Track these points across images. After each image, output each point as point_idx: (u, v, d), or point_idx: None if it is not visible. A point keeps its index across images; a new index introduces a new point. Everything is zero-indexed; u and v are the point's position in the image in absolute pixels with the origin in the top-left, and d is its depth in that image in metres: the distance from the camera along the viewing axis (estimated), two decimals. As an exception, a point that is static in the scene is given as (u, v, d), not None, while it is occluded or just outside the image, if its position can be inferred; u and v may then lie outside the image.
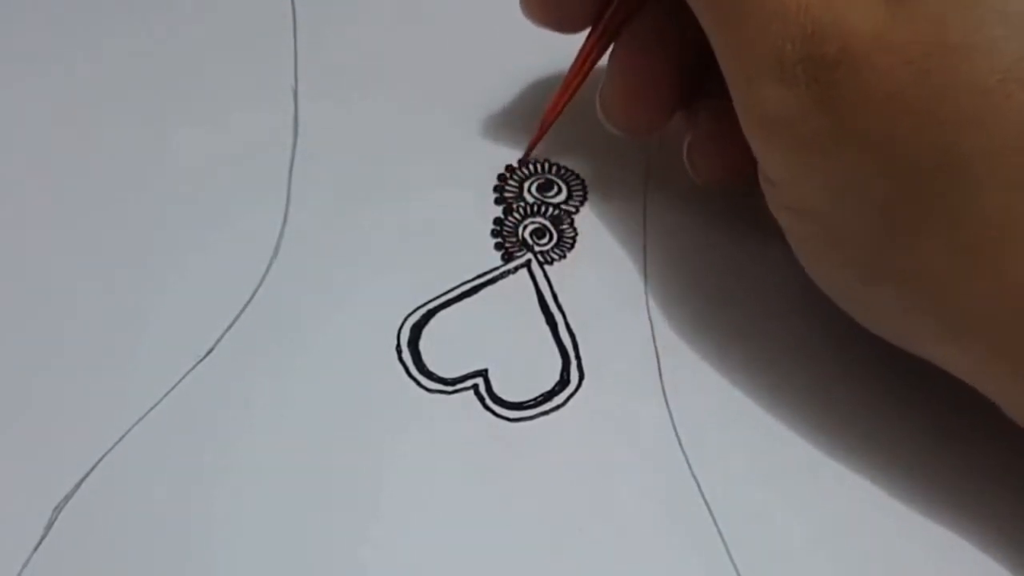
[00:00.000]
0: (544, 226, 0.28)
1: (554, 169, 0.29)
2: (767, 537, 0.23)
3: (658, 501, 0.24)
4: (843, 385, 0.25)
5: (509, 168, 0.29)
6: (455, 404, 0.25)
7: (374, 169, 0.29)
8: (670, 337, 0.26)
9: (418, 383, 0.25)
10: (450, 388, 0.25)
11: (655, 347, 0.26)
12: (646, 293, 0.27)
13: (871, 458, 0.24)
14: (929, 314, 0.22)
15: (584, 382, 0.25)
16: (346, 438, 0.24)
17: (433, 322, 0.26)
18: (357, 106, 0.30)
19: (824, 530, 0.23)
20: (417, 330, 0.26)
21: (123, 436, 0.24)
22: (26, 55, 0.31)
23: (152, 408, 0.24)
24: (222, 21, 0.32)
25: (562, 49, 0.28)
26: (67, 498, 0.23)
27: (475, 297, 0.27)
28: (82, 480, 0.23)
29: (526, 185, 0.29)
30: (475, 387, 0.25)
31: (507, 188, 0.29)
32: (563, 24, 0.27)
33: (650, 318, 0.26)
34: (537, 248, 0.28)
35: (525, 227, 0.28)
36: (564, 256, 0.28)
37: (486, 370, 0.25)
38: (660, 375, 0.25)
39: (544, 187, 0.29)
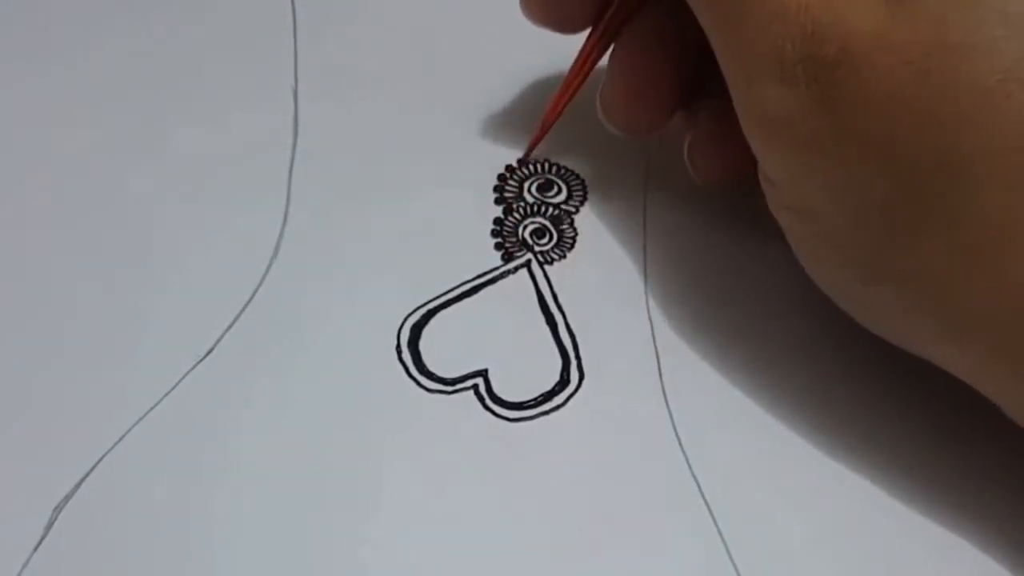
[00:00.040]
0: (544, 226, 0.28)
1: (554, 169, 0.29)
2: (767, 537, 0.23)
3: (658, 501, 0.24)
4: (843, 385, 0.25)
5: (509, 168, 0.29)
6: (455, 404, 0.25)
7: (374, 169, 0.29)
8: (670, 337, 0.26)
9: (418, 383, 0.25)
10: (450, 388, 0.25)
11: (655, 347, 0.26)
12: (646, 293, 0.27)
13: (871, 458, 0.24)
14: (929, 314, 0.22)
15: (584, 382, 0.25)
16: (346, 438, 0.24)
17: (433, 322, 0.26)
18: (357, 106, 0.30)
19: (824, 530, 0.23)
20: (417, 330, 0.26)
21: (123, 436, 0.24)
22: (26, 55, 0.31)
23: (152, 408, 0.24)
24: (222, 21, 0.32)
25: (562, 49, 0.28)
26: (67, 498, 0.23)
27: (475, 297, 0.27)
28: (82, 480, 0.23)
29: (526, 185, 0.29)
30: (475, 387, 0.25)
31: (507, 188, 0.29)
32: (563, 24, 0.27)
33: (650, 318, 0.26)
34: (537, 248, 0.28)
35: (525, 227, 0.28)
36: (564, 256, 0.28)
37: (486, 370, 0.25)
38: (660, 375, 0.25)
39: (544, 187, 0.29)
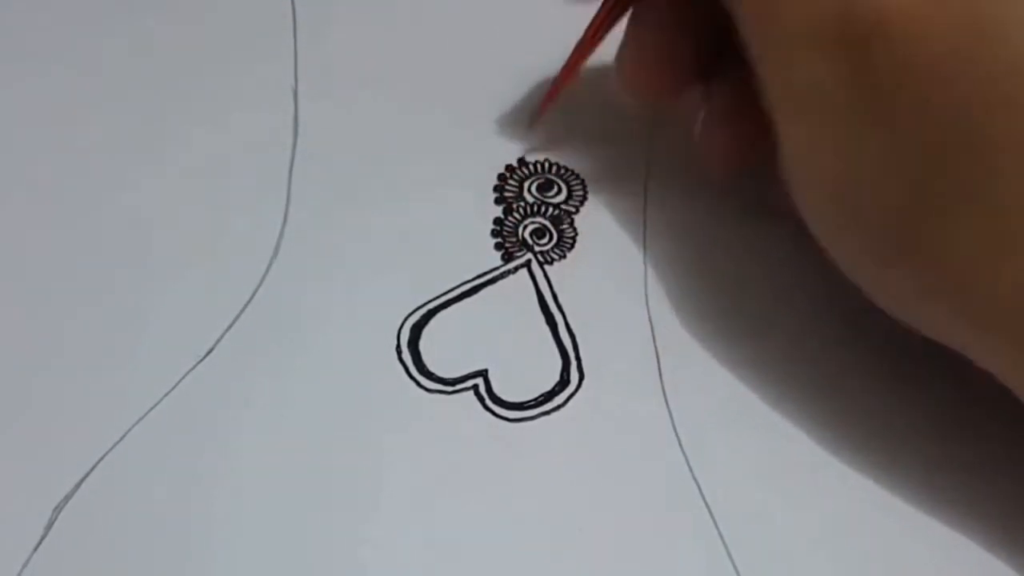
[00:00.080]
0: (544, 226, 0.28)
1: (554, 169, 0.29)
2: (767, 537, 0.23)
3: (658, 501, 0.24)
4: (843, 385, 0.25)
5: (509, 168, 0.29)
6: (455, 404, 0.25)
7: (374, 169, 0.29)
8: (670, 337, 0.26)
9: (418, 383, 0.25)
10: (450, 388, 0.25)
11: (655, 347, 0.26)
12: (646, 293, 0.27)
13: (871, 458, 0.24)
14: (952, 298, 0.21)
15: (584, 382, 0.25)
16: (346, 438, 0.24)
17: (433, 322, 0.26)
18: (357, 106, 0.30)
19: (824, 530, 0.23)
20: (417, 330, 0.26)
21: (123, 436, 0.24)
22: (26, 55, 0.31)
23: (152, 408, 0.24)
24: (222, 21, 0.32)
25: (562, 50, 0.28)
26: (67, 498, 0.23)
27: (475, 297, 0.27)
28: (82, 480, 0.23)
29: (526, 185, 0.29)
30: (475, 387, 0.25)
31: (507, 188, 0.29)
32: None
33: (650, 318, 0.26)
34: (537, 248, 0.28)
35: (525, 227, 0.28)
36: (564, 256, 0.28)
37: (486, 370, 0.25)
38: (660, 375, 0.25)
39: (544, 187, 0.29)
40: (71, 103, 0.30)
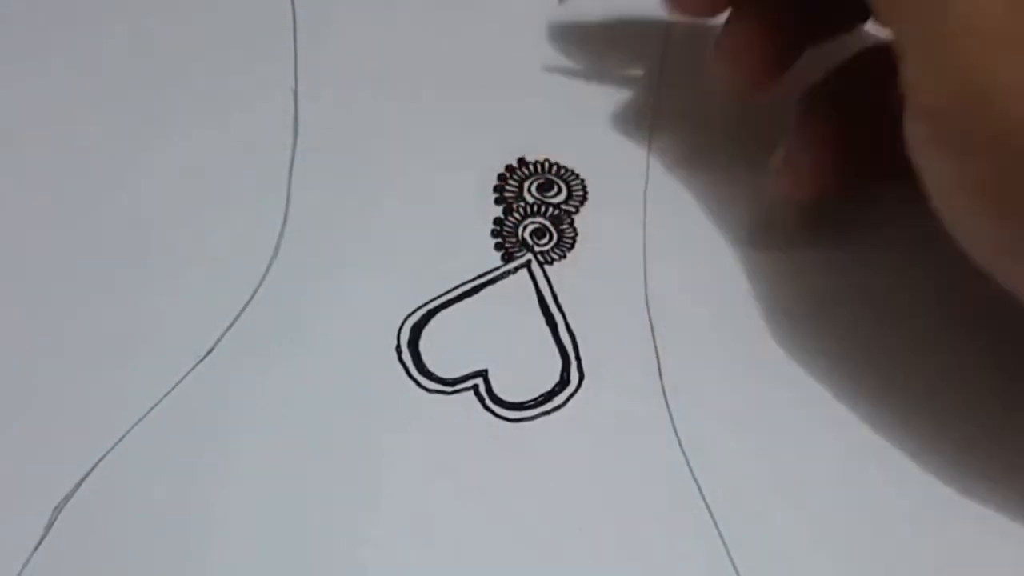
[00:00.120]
0: (544, 226, 0.28)
1: (554, 169, 0.29)
2: (767, 537, 0.23)
3: (658, 501, 0.24)
4: (843, 385, 0.25)
5: (509, 168, 0.29)
6: (455, 404, 0.25)
7: (374, 169, 0.29)
8: (670, 337, 0.26)
9: (418, 383, 0.25)
10: (450, 388, 0.25)
11: (655, 347, 0.26)
12: (646, 293, 0.27)
13: (872, 458, 0.24)
14: None
15: (584, 382, 0.25)
16: (346, 438, 0.24)
17: (433, 322, 0.26)
18: (357, 106, 0.30)
19: (824, 530, 0.23)
20: (417, 330, 0.26)
21: (123, 436, 0.24)
22: (26, 55, 0.31)
23: (152, 408, 0.24)
24: (222, 21, 0.32)
25: (564, 50, 0.28)
26: (67, 498, 0.23)
27: (475, 297, 0.27)
28: (82, 480, 0.23)
29: (526, 185, 0.29)
30: (475, 387, 0.25)
31: (507, 188, 0.29)
32: None
33: (650, 318, 0.26)
34: (537, 248, 0.28)
35: (525, 227, 0.28)
36: (564, 256, 0.28)
37: (486, 370, 0.25)
38: (660, 375, 0.25)
39: (544, 187, 0.29)
40: (71, 103, 0.30)
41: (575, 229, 0.28)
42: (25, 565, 0.22)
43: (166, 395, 0.25)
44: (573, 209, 0.28)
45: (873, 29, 0.26)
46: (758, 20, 0.26)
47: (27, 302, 0.26)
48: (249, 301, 0.26)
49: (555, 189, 0.29)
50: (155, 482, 0.24)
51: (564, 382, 0.25)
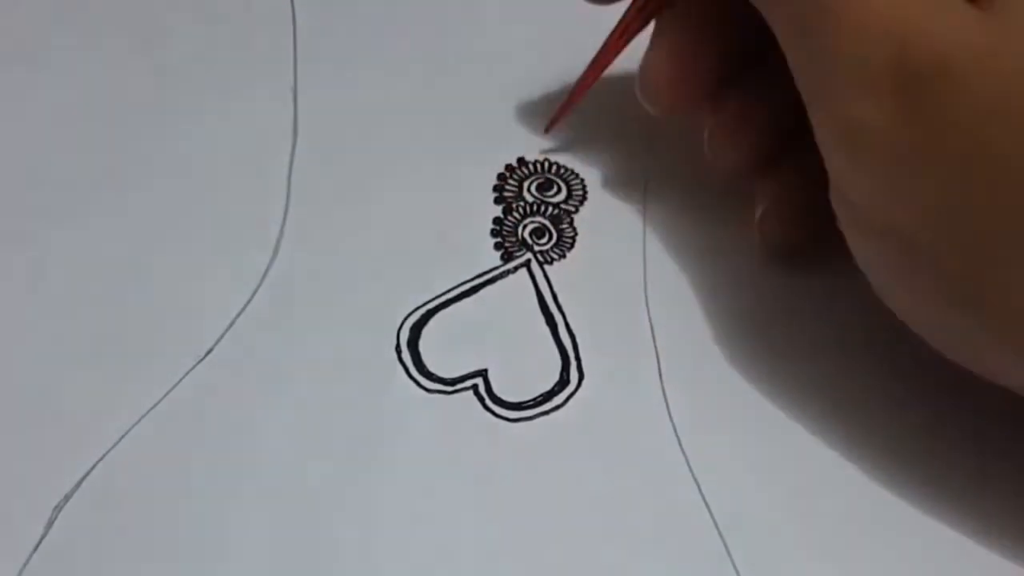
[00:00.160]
0: (544, 226, 0.28)
1: (554, 169, 0.29)
2: (767, 537, 0.23)
3: (658, 501, 0.24)
4: (843, 385, 0.25)
5: (509, 168, 0.29)
6: (455, 404, 0.25)
7: (374, 168, 0.29)
8: (670, 337, 0.26)
9: (418, 383, 0.25)
10: (450, 388, 0.25)
11: (655, 347, 0.26)
12: (646, 293, 0.27)
13: (872, 458, 0.24)
14: (1017, 342, 0.21)
15: (584, 382, 0.25)
16: (346, 438, 0.24)
17: (433, 322, 0.26)
18: (357, 106, 0.30)
19: (824, 530, 0.23)
20: (417, 330, 0.26)
21: (123, 436, 0.24)
22: (26, 55, 0.31)
23: (152, 408, 0.24)
24: (222, 21, 0.32)
25: (563, 49, 0.28)
26: (67, 498, 0.23)
27: (475, 297, 0.27)
28: (82, 480, 0.23)
29: (526, 185, 0.29)
30: (475, 387, 0.25)
31: (507, 188, 0.29)
32: None
33: (650, 318, 0.26)
34: (537, 248, 0.28)
35: (525, 227, 0.28)
36: (564, 256, 0.28)
37: (486, 370, 0.25)
38: (660, 375, 0.25)
39: (544, 187, 0.29)
40: (71, 103, 0.30)
41: (575, 229, 0.28)
42: (25, 565, 0.22)
43: (166, 395, 0.25)
44: (573, 209, 0.28)
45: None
46: (672, 52, 0.26)
47: (28, 302, 0.26)
48: (249, 301, 0.26)
49: (555, 188, 0.29)
50: (155, 482, 0.24)
51: (564, 382, 0.25)
